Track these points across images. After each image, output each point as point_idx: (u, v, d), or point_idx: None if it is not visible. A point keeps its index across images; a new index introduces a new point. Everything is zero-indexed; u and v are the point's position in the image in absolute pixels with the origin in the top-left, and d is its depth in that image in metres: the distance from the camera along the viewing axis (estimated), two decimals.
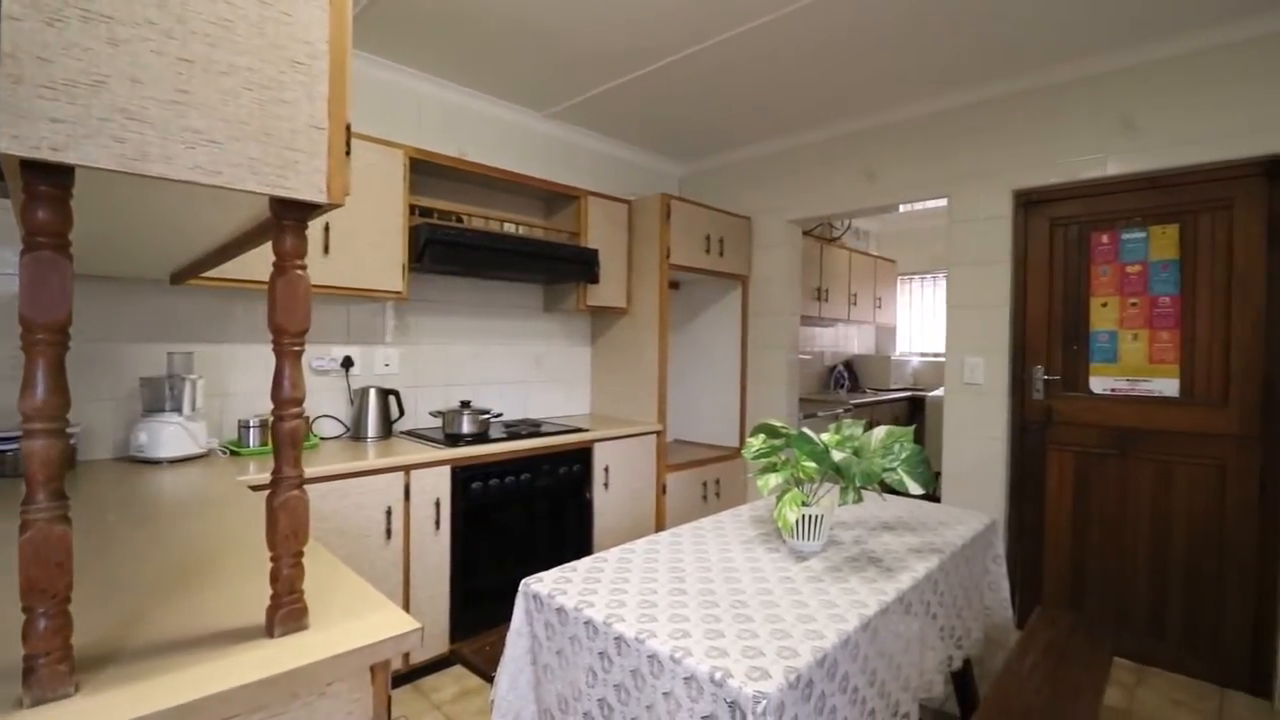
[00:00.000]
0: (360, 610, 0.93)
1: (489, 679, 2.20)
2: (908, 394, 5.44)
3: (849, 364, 5.75)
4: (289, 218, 0.83)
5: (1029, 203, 2.83)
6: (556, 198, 3.30)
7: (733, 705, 1.00)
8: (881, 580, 1.45)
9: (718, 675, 1.03)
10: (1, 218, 1.91)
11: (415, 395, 2.94)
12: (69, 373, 0.68)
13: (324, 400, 2.66)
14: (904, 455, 1.59)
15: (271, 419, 0.85)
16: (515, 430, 2.86)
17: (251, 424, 2.31)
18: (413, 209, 2.63)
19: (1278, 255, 2.29)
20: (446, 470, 2.39)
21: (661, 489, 3.26)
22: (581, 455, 2.90)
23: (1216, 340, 2.42)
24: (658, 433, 3.25)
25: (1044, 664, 1.67)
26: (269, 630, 0.85)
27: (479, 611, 2.51)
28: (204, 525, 1.38)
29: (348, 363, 2.72)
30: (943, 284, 4.92)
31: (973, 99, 2.92)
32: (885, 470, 1.57)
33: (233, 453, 2.26)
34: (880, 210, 3.42)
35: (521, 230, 3.08)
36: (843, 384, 5.43)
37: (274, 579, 0.85)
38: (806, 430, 1.64)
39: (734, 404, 3.78)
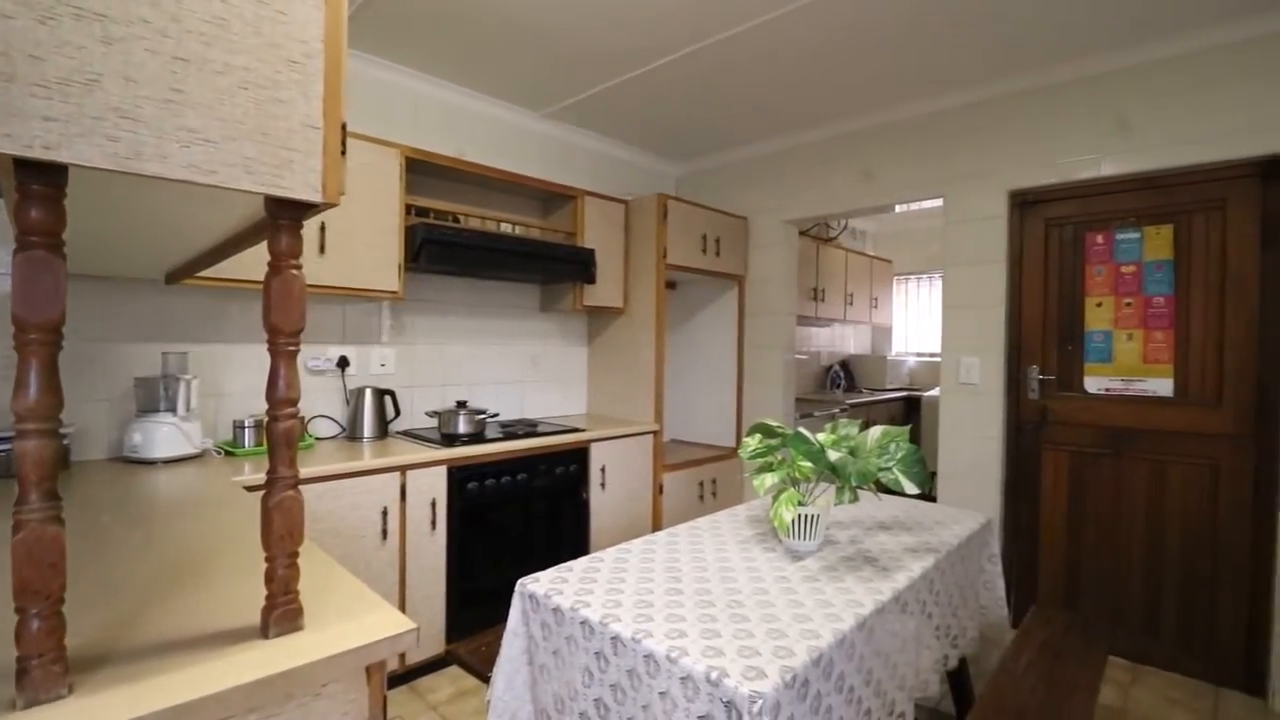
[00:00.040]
0: (356, 611, 0.92)
1: (485, 679, 2.19)
2: (904, 394, 5.45)
3: (845, 364, 5.76)
4: (284, 217, 0.83)
5: (1024, 203, 2.84)
6: (553, 198, 3.30)
7: (729, 705, 1.00)
8: (877, 580, 1.45)
9: (714, 675, 1.03)
10: None
11: (411, 395, 2.93)
12: (62, 373, 0.67)
13: (320, 400, 2.65)
14: (899, 455, 1.59)
15: (266, 419, 0.85)
16: (512, 430, 2.85)
17: (246, 424, 2.30)
18: (409, 209, 2.63)
19: (1271, 255, 2.31)
20: (443, 470, 2.39)
21: (658, 489, 3.26)
22: (578, 455, 2.90)
23: (1210, 340, 2.43)
24: (654, 433, 3.25)
25: (1039, 663, 1.67)
26: (264, 631, 0.84)
27: (475, 612, 2.51)
28: (199, 526, 1.38)
29: (343, 363, 2.71)
30: (939, 284, 4.93)
31: (969, 99, 2.93)
32: (881, 470, 1.58)
33: (228, 453, 2.25)
34: (877, 210, 3.43)
35: (518, 230, 3.08)
36: (839, 384, 5.44)
37: (269, 579, 0.84)
38: (803, 430, 1.64)
39: (730, 404, 3.78)
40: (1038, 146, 2.75)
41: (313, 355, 2.63)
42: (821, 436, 1.65)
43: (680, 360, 4.00)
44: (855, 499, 1.57)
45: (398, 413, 2.77)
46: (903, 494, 1.62)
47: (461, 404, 2.77)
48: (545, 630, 1.33)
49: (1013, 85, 2.79)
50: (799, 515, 1.57)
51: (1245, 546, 2.35)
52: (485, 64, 2.77)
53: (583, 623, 1.25)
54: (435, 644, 2.39)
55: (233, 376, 2.43)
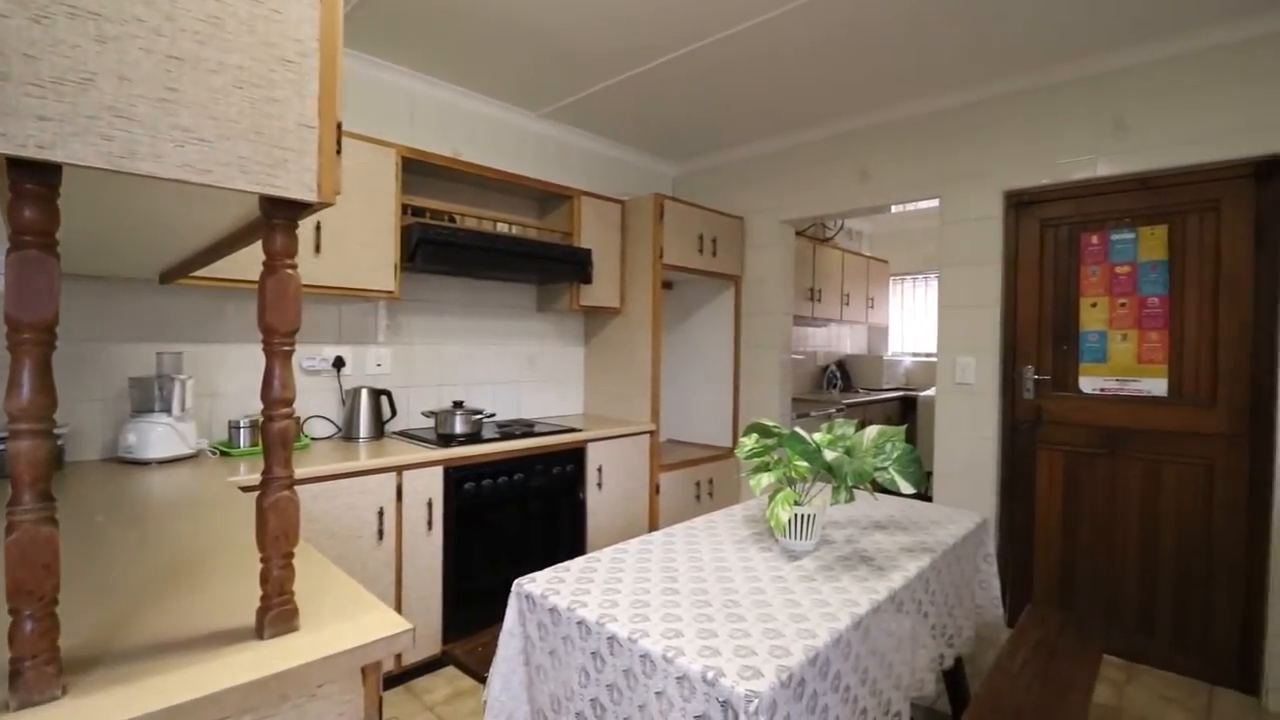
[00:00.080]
0: (351, 611, 0.92)
1: (482, 680, 2.19)
2: (900, 394, 5.46)
3: (841, 364, 5.77)
4: (279, 217, 0.83)
5: (1020, 203, 2.85)
6: (550, 197, 3.30)
7: (725, 704, 1.00)
8: (873, 579, 1.46)
9: (710, 674, 1.03)
10: None
11: (407, 395, 2.93)
12: (56, 373, 0.67)
13: (315, 400, 2.65)
14: (895, 455, 1.60)
15: (261, 419, 0.85)
16: (508, 430, 2.85)
17: (242, 424, 2.29)
18: (405, 208, 2.62)
19: (1265, 255, 2.32)
20: (439, 471, 2.39)
21: (655, 489, 3.26)
22: (575, 455, 2.90)
23: (1204, 340, 2.45)
24: (651, 433, 3.25)
25: (1034, 661, 1.68)
26: (259, 632, 0.84)
27: (472, 612, 2.51)
28: (193, 526, 1.37)
29: (339, 363, 2.70)
30: (935, 284, 4.95)
31: (965, 99, 2.93)
32: (877, 470, 1.58)
33: (223, 453, 2.24)
34: (873, 210, 3.44)
35: (515, 230, 3.07)
36: (835, 384, 5.44)
37: (264, 580, 0.84)
38: (799, 430, 1.64)
39: (727, 404, 3.78)
40: (1033, 147, 2.76)
41: (308, 355, 2.63)
42: (818, 436, 1.65)
43: (677, 360, 4.00)
44: (851, 499, 1.58)
45: (394, 413, 2.76)
46: (899, 494, 1.63)
47: (458, 404, 2.76)
48: (542, 630, 1.33)
49: (1009, 85, 2.80)
50: (795, 515, 1.57)
51: (1239, 546, 2.36)
52: (482, 63, 2.76)
53: (579, 623, 1.25)
54: (432, 645, 2.38)
55: (228, 377, 2.42)
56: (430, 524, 2.36)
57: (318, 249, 2.32)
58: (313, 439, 2.56)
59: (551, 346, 3.56)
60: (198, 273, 1.94)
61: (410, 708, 2.19)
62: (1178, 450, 2.49)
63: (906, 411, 5.40)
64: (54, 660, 0.69)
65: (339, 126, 0.85)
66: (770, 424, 1.72)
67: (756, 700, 0.97)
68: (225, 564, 1.12)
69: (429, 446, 2.46)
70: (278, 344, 0.83)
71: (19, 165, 0.63)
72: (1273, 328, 2.27)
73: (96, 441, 2.14)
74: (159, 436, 2.04)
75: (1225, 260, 2.40)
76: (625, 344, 3.44)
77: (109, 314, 2.16)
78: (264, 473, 0.84)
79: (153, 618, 0.89)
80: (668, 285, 3.91)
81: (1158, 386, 2.54)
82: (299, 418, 2.50)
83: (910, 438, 1.64)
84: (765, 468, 1.64)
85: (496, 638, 1.45)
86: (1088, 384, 2.70)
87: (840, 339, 6.01)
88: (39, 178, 0.65)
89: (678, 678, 1.07)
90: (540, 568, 1.52)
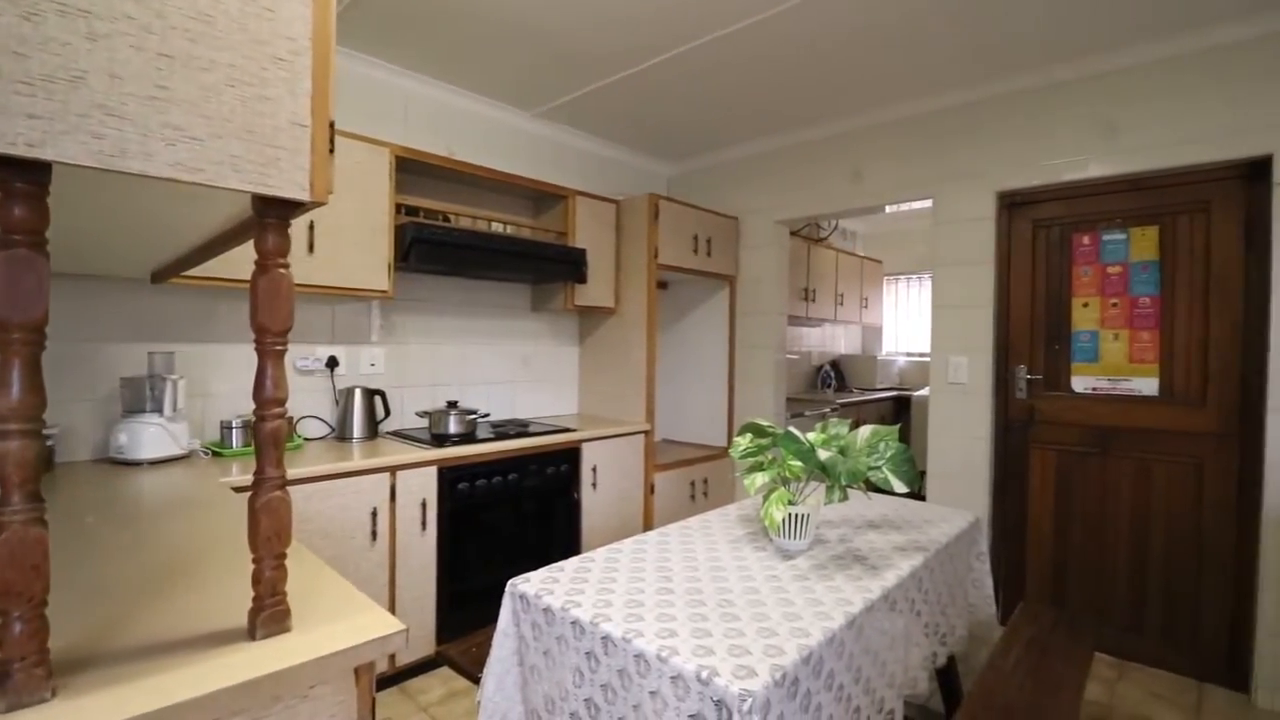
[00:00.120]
0: (344, 612, 0.92)
1: (476, 680, 2.19)
2: (894, 393, 5.48)
3: (835, 364, 5.78)
4: (271, 216, 0.82)
5: (1012, 204, 2.87)
6: (544, 197, 3.30)
7: (719, 704, 1.00)
8: (867, 578, 1.46)
9: (704, 674, 1.03)
10: None
11: (401, 395, 2.92)
12: (46, 373, 0.67)
13: (309, 400, 2.64)
14: (889, 454, 1.60)
15: (253, 419, 0.85)
16: (503, 430, 2.85)
17: (234, 424, 2.28)
18: (399, 208, 2.61)
19: (1254, 256, 2.34)
20: (433, 471, 2.38)
21: (649, 489, 3.26)
22: (569, 455, 2.90)
23: (1195, 340, 2.46)
24: (646, 432, 3.25)
25: (1027, 659, 1.69)
26: (251, 633, 0.84)
27: (466, 612, 2.50)
28: (185, 527, 1.36)
29: (332, 363, 2.69)
30: (928, 284, 4.97)
31: (959, 101, 2.95)
32: (870, 469, 1.58)
33: (215, 454, 2.23)
34: (867, 211, 3.45)
35: (509, 230, 3.07)
36: (829, 383, 5.46)
37: (256, 581, 0.84)
38: (793, 429, 1.65)
39: (721, 403, 3.79)
40: (1026, 147, 2.77)
41: (301, 355, 2.62)
42: (812, 436, 1.65)
43: (671, 360, 4.00)
44: (845, 498, 1.58)
45: (387, 413, 2.75)
46: (892, 493, 1.63)
47: (452, 404, 2.76)
48: (536, 630, 1.33)
49: (1002, 87, 2.81)
50: (789, 514, 1.57)
51: (1229, 544, 2.38)
52: (476, 62, 2.76)
53: (573, 623, 1.25)
54: (425, 645, 2.38)
55: (220, 376, 2.41)
56: (424, 524, 2.35)
57: (311, 248, 2.31)
58: (306, 439, 2.55)
59: (546, 346, 3.56)
60: (190, 272, 1.93)
61: (404, 709, 2.19)
62: (1168, 449, 2.51)
63: (900, 411, 5.42)
64: (43, 662, 0.68)
65: (332, 125, 0.85)
66: (765, 424, 1.72)
67: (750, 699, 0.97)
68: (217, 565, 1.11)
69: (423, 446, 2.45)
70: (270, 343, 0.83)
71: (8, 163, 0.63)
72: (1262, 328, 2.29)
73: (88, 442, 2.12)
74: (151, 437, 2.03)
75: (1215, 261, 2.42)
76: (620, 344, 3.44)
77: (100, 313, 2.15)
78: (256, 473, 0.84)
79: (144, 619, 0.89)
80: (663, 285, 3.91)
81: (1149, 386, 2.56)
82: (292, 418, 2.49)
83: (904, 437, 1.65)
84: (759, 467, 1.64)
85: (491, 638, 1.45)
86: (1079, 383, 2.72)
87: (834, 339, 6.02)
88: (28, 176, 0.64)
89: (672, 677, 1.07)
90: (535, 568, 1.51)
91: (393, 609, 2.26)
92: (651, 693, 1.10)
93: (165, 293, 2.27)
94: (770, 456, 1.67)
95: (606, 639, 1.18)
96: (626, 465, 3.17)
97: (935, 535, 1.81)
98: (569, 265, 3.03)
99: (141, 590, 0.99)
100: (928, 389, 3.14)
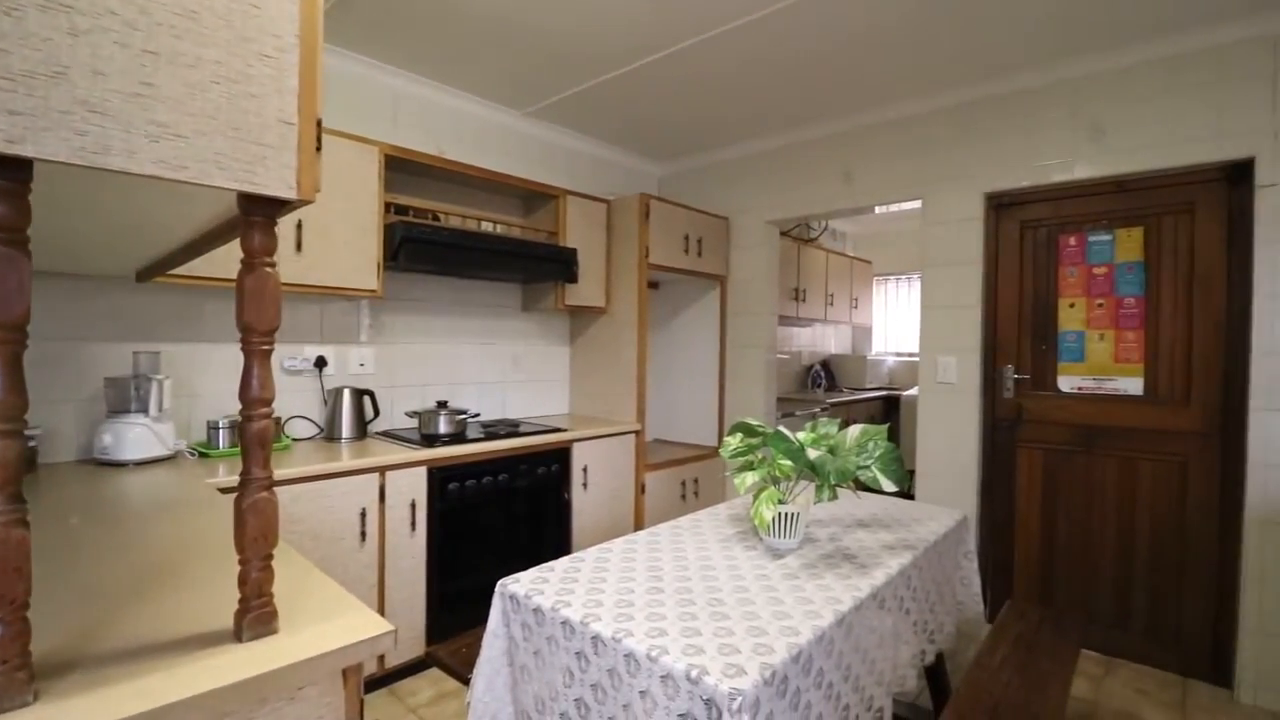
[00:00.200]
0: (332, 613, 0.91)
1: (466, 681, 2.18)
2: (883, 393, 5.51)
3: (826, 363, 5.81)
4: (257, 214, 0.82)
5: (1000, 205, 2.89)
6: (535, 197, 3.29)
7: (709, 703, 1.00)
8: (856, 577, 1.47)
9: (694, 673, 1.03)
10: None
11: (391, 395, 2.91)
12: (28, 373, 0.66)
13: (297, 401, 2.62)
14: (878, 453, 1.61)
15: (240, 420, 0.84)
16: (493, 430, 2.84)
17: (220, 425, 2.26)
18: (389, 207, 2.60)
19: (1237, 257, 2.37)
20: (423, 471, 2.37)
21: (640, 488, 3.26)
22: (560, 455, 2.90)
23: (1179, 340, 2.49)
24: (636, 432, 3.25)
25: (1014, 657, 1.70)
26: (237, 634, 0.83)
27: (456, 613, 2.49)
28: (171, 528, 1.35)
29: (321, 362, 2.68)
30: (917, 285, 5.00)
31: (947, 102, 2.97)
32: (860, 468, 1.59)
33: (201, 454, 2.21)
34: (856, 211, 3.46)
35: (499, 229, 3.06)
36: (819, 383, 5.48)
37: (242, 582, 0.83)
38: (783, 429, 1.65)
39: (712, 403, 3.79)
40: (1013, 149, 2.79)
41: (290, 355, 2.60)
42: (801, 435, 1.66)
43: (662, 360, 4.01)
44: (834, 497, 1.59)
45: (377, 413, 2.74)
46: (881, 492, 1.64)
47: (442, 404, 2.74)
48: (526, 631, 1.33)
49: (990, 89, 2.83)
50: (779, 513, 1.58)
51: (1212, 542, 2.41)
52: (466, 61, 2.75)
53: (563, 623, 1.25)
54: (415, 646, 2.37)
55: (207, 376, 2.39)
56: (414, 525, 2.34)
57: (299, 247, 2.29)
58: (294, 440, 2.54)
59: (537, 346, 3.55)
60: (175, 271, 1.91)
61: (393, 710, 2.18)
62: (1153, 448, 2.54)
63: (889, 410, 5.45)
64: (25, 666, 0.67)
65: (319, 123, 0.85)
66: (755, 423, 1.73)
67: (740, 698, 0.98)
68: (203, 566, 1.10)
69: (412, 447, 2.44)
70: (256, 343, 0.82)
71: None
72: (1244, 328, 2.32)
73: (71, 443, 2.10)
74: (136, 437, 2.01)
75: (1199, 262, 2.45)
76: (611, 343, 3.43)
77: (83, 313, 2.12)
78: (242, 473, 0.83)
79: (128, 621, 0.88)
80: (654, 285, 3.91)
81: (1134, 385, 2.59)
82: (279, 418, 2.47)
83: (893, 436, 1.66)
84: (749, 467, 1.64)
85: (480, 639, 1.44)
86: (1066, 383, 2.75)
87: (824, 339, 6.05)
88: (9, 173, 0.63)
89: (662, 676, 1.07)
90: (525, 568, 1.51)
91: (382, 610, 2.25)
92: (641, 692, 1.10)
93: (150, 292, 2.24)
94: (760, 456, 1.67)
95: (596, 639, 1.18)
96: (617, 465, 3.16)
97: (924, 534, 1.82)
98: (560, 265, 3.03)
99: (126, 592, 0.98)
100: (917, 389, 3.16)
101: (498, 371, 3.35)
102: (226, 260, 1.95)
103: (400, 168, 2.70)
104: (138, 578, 1.04)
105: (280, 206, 0.83)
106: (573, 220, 3.22)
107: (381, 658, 2.25)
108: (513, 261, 2.84)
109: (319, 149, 0.84)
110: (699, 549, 1.64)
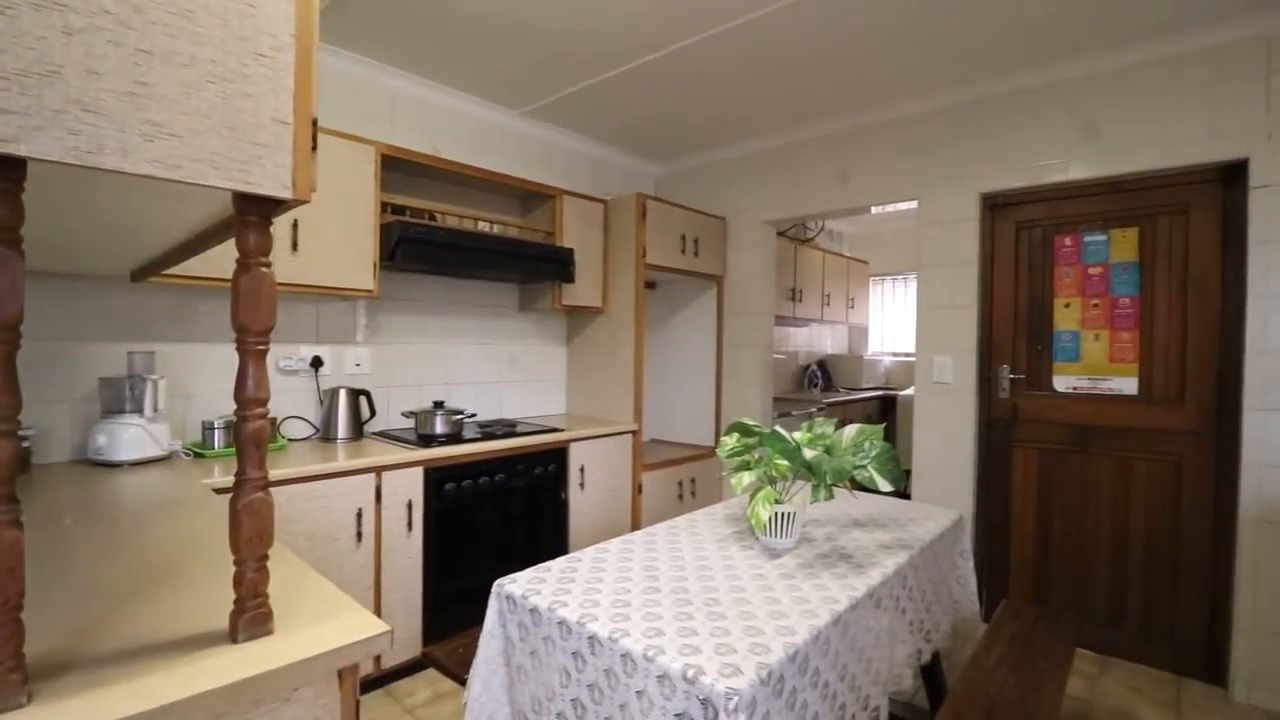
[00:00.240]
0: (328, 614, 0.91)
1: (462, 682, 2.17)
2: (879, 393, 5.52)
3: (822, 363, 5.82)
4: (252, 213, 0.81)
5: (995, 205, 2.90)
6: (532, 197, 3.28)
7: (705, 702, 1.01)
8: (852, 576, 1.47)
9: (690, 673, 1.03)
10: None
11: (387, 396, 2.90)
12: (22, 373, 0.65)
13: (293, 401, 2.61)
14: (874, 453, 1.61)
15: (235, 420, 0.84)
16: (490, 431, 2.83)
17: (216, 425, 2.25)
18: (385, 206, 2.60)
19: (1231, 258, 2.38)
20: (419, 471, 2.37)
21: (637, 488, 3.26)
22: (557, 455, 2.89)
23: (1174, 340, 2.50)
24: (633, 432, 3.25)
25: (1010, 656, 1.71)
26: (232, 635, 0.83)
27: (452, 614, 2.49)
28: (166, 529, 1.35)
29: (317, 362, 2.67)
30: (913, 285, 5.00)
31: (944, 103, 2.97)
32: (856, 468, 1.59)
33: (196, 455, 2.20)
34: (853, 212, 3.47)
35: (496, 229, 3.06)
36: (816, 383, 5.49)
37: (237, 583, 0.83)
38: (779, 429, 1.66)
39: (709, 403, 3.80)
40: (1009, 150, 2.80)
41: (285, 355, 2.59)
42: (798, 435, 1.66)
43: (659, 360, 4.01)
44: (831, 497, 1.59)
45: (373, 413, 2.73)
46: (877, 491, 1.64)
47: (438, 404, 2.74)
48: (522, 631, 1.33)
49: (986, 90, 2.84)
50: (775, 513, 1.58)
51: (1206, 541, 2.42)
52: (463, 60, 2.74)
53: (560, 623, 1.25)
54: (411, 647, 2.36)
55: (202, 377, 2.38)
56: (410, 525, 2.34)
57: (295, 247, 2.28)
58: (290, 440, 2.53)
59: (533, 346, 3.54)
60: (170, 270, 1.91)
61: (390, 711, 2.17)
62: (1147, 448, 2.55)
63: (886, 410, 5.46)
64: (19, 667, 0.67)
65: (315, 123, 0.84)
66: (751, 423, 1.73)
67: (736, 698, 0.98)
68: (198, 567, 1.10)
69: (409, 447, 2.44)
70: (251, 343, 0.82)
71: None
72: (1238, 329, 2.33)
73: (65, 443, 2.09)
74: (130, 438, 2.00)
75: (1194, 262, 2.46)
76: (608, 343, 3.43)
77: (78, 313, 2.11)
78: (237, 474, 0.83)
79: (123, 622, 0.87)
80: (650, 285, 3.91)
81: (1128, 385, 2.60)
82: (274, 418, 2.46)
83: (889, 436, 1.66)
84: (746, 466, 1.64)
85: (477, 639, 1.44)
86: (1061, 383, 2.76)
87: (821, 339, 6.06)
88: (2, 172, 0.63)
89: (658, 676, 1.07)
90: (522, 568, 1.51)
91: (378, 611, 2.25)
92: (638, 692, 1.10)
93: (145, 291, 2.23)
94: (757, 456, 1.67)
95: (593, 639, 1.18)
96: (614, 465, 3.16)
97: (920, 533, 1.82)
98: (556, 265, 3.03)
99: (121, 593, 0.97)
100: (913, 388, 3.17)
101: (494, 371, 3.35)
102: (222, 260, 1.95)
103: (397, 167, 2.70)
104: (132, 579, 1.04)
105: (276, 206, 0.82)
106: (569, 220, 3.22)
107: (378, 658, 2.24)
108: (509, 261, 2.84)
109: (315, 148, 0.84)
110: (696, 549, 1.64)
